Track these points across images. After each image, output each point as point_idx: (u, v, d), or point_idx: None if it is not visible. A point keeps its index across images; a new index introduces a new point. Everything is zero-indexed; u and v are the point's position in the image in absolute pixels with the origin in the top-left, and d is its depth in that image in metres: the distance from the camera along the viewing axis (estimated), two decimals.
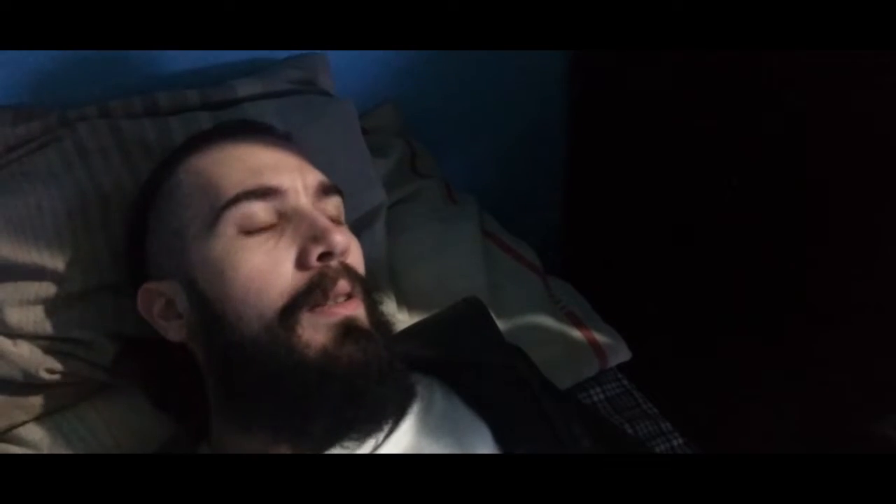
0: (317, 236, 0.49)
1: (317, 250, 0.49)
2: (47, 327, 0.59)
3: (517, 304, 0.74)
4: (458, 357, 0.58)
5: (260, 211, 0.50)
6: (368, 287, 0.52)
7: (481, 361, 0.58)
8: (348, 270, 0.50)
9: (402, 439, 0.50)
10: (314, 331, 0.48)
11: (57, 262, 0.61)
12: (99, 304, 0.60)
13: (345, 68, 0.82)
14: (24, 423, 0.59)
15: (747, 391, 0.82)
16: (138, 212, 0.57)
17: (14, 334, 0.58)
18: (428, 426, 0.51)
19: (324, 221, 0.50)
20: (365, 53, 0.85)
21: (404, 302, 0.72)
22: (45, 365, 0.58)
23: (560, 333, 0.74)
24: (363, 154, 0.76)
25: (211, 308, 0.50)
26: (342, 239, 0.49)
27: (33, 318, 0.59)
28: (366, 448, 0.49)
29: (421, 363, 0.56)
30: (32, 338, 0.59)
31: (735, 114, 0.78)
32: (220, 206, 0.50)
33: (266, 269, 0.49)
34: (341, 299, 0.49)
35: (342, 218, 0.56)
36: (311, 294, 0.48)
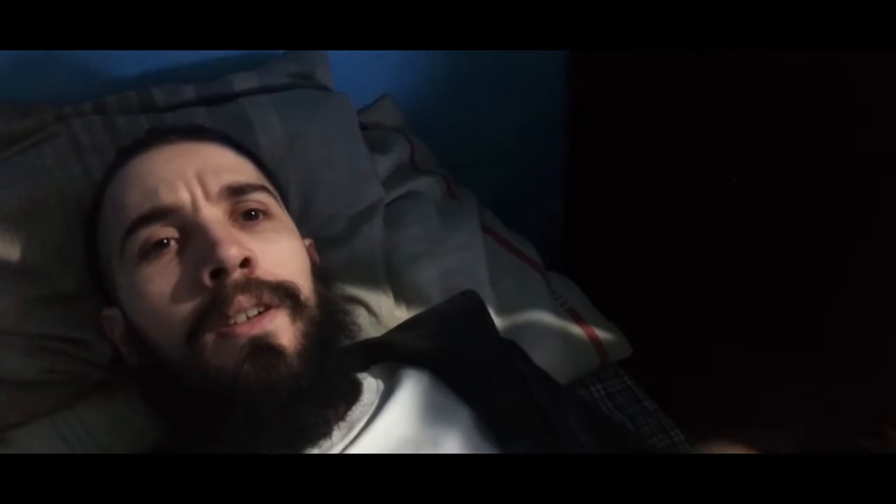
0: (205, 256, 0.47)
1: (207, 270, 0.46)
2: (44, 326, 0.58)
3: (517, 301, 0.74)
4: (453, 350, 0.58)
5: (158, 232, 0.49)
6: (297, 292, 0.49)
7: (476, 355, 0.58)
8: (252, 283, 0.47)
9: (379, 433, 0.49)
10: (222, 354, 0.46)
11: (52, 260, 0.60)
12: (96, 302, 0.59)
13: (343, 63, 0.82)
14: (21, 423, 0.58)
15: (749, 388, 0.82)
16: (86, 243, 0.57)
17: (10, 333, 0.58)
18: (408, 420, 0.50)
19: (215, 235, 0.47)
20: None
21: (403, 298, 0.72)
22: (42, 364, 0.58)
23: (561, 330, 0.74)
24: (361, 149, 0.76)
25: (138, 335, 0.50)
26: (234, 252, 0.46)
27: (29, 316, 0.58)
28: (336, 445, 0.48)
29: (414, 356, 0.56)
30: (29, 337, 0.58)
31: (735, 114, 0.78)
32: (121, 236, 0.50)
33: (167, 296, 0.48)
34: (252, 313, 0.47)
35: (272, 210, 0.53)
36: (209, 316, 0.46)
